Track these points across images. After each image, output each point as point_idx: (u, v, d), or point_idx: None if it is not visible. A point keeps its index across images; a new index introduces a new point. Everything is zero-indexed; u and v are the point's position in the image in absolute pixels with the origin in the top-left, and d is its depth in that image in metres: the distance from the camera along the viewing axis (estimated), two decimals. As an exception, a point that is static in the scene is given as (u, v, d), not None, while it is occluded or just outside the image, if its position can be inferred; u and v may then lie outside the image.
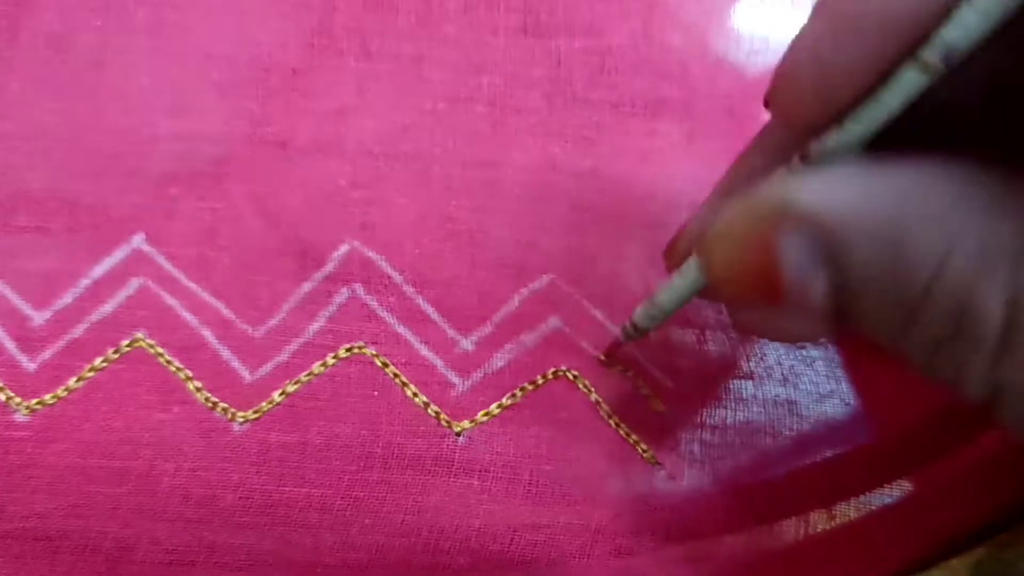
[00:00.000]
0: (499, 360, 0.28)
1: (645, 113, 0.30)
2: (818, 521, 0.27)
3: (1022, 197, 0.16)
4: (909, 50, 0.16)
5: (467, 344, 0.28)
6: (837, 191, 0.17)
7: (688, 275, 0.23)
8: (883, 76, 0.17)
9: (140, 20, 0.29)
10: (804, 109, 0.19)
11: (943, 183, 0.16)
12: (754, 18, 0.30)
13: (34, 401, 0.26)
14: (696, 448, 0.28)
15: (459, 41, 0.29)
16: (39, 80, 0.28)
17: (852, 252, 0.17)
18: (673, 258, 0.25)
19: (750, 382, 0.29)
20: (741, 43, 0.30)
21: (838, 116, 0.18)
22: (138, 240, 0.28)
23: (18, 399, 0.26)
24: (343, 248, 0.28)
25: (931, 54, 0.16)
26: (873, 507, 0.27)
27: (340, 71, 0.29)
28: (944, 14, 0.16)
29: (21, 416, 0.26)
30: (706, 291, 0.23)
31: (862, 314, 0.17)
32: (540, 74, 0.30)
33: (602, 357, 0.28)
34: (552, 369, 0.28)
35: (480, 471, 0.27)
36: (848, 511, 0.27)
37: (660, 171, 0.30)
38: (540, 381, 0.28)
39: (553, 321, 0.28)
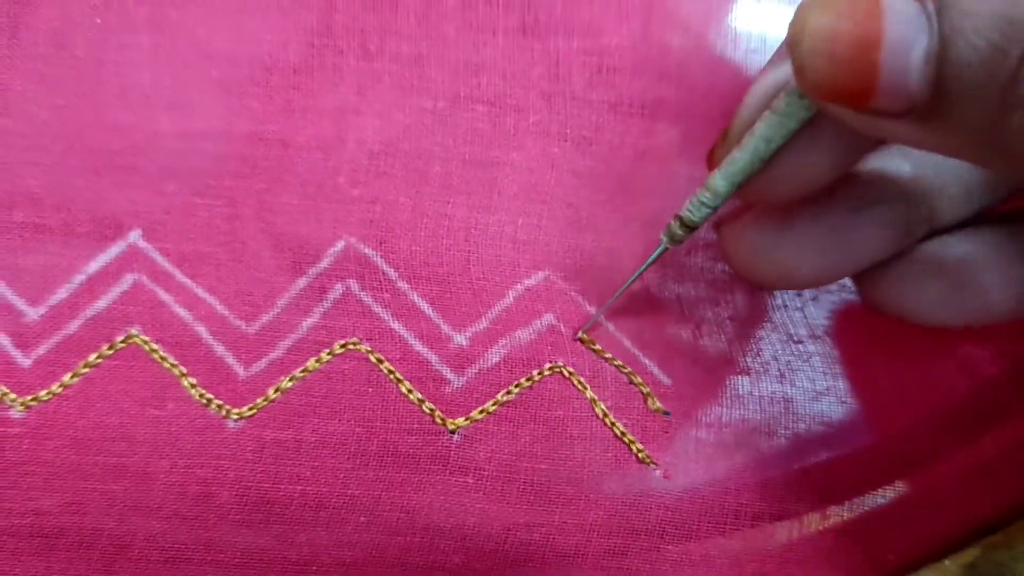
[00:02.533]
0: (494, 355, 0.28)
1: (643, 113, 0.30)
2: (811, 522, 0.27)
3: None
4: None
5: (462, 339, 0.28)
6: None
7: (749, 147, 0.23)
8: None
9: (140, 18, 0.28)
10: None
11: None
12: (752, 18, 0.30)
13: (29, 397, 0.26)
14: (691, 447, 0.28)
15: (458, 41, 0.29)
16: (39, 77, 0.28)
17: (962, 6, 0.16)
18: (724, 147, 0.25)
19: (746, 378, 0.29)
20: (739, 43, 0.30)
21: None
22: (134, 236, 0.28)
23: (13, 395, 0.26)
24: (339, 244, 0.28)
25: None
26: (867, 508, 0.28)
27: (340, 70, 0.29)
28: None
29: (16, 413, 0.26)
30: (754, 184, 0.23)
31: (960, 84, 0.17)
32: (539, 74, 0.30)
33: (582, 336, 0.28)
34: (548, 365, 0.28)
35: (475, 469, 0.27)
36: (842, 512, 0.28)
37: (658, 171, 0.30)
38: (536, 377, 0.28)
39: (548, 318, 0.28)
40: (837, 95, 0.19)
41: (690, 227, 0.25)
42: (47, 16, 0.28)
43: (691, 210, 0.25)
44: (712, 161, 0.26)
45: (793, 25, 0.19)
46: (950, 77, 0.17)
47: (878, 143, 0.24)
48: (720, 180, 0.24)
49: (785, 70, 0.23)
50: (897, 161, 0.26)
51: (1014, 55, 0.16)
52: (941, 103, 0.18)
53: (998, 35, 0.16)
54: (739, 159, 0.23)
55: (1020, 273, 0.26)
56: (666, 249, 0.26)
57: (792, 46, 0.19)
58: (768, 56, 0.30)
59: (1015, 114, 0.17)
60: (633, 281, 0.28)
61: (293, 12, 0.29)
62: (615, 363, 0.28)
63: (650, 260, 0.27)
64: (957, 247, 0.26)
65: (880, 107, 0.19)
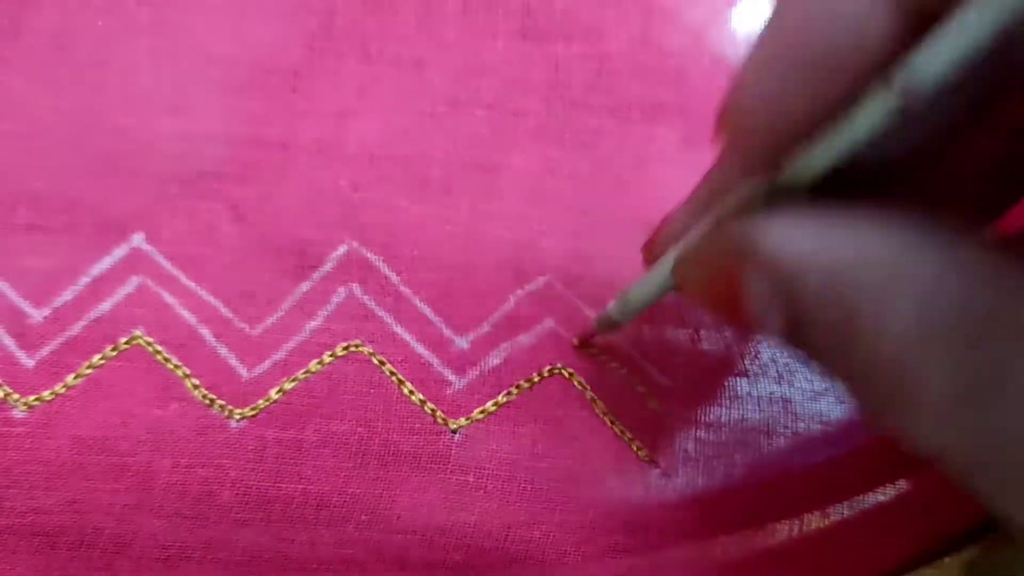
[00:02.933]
0: (495, 358, 0.28)
1: (643, 117, 0.30)
2: (811, 521, 0.27)
3: (966, 266, 0.16)
4: (868, 80, 0.16)
5: (463, 343, 0.28)
6: (794, 238, 0.17)
7: (660, 273, 0.23)
8: (848, 102, 0.17)
9: (142, 20, 0.29)
10: (754, 142, 0.19)
11: (893, 241, 0.17)
12: (752, 23, 0.31)
13: (32, 398, 0.26)
14: (691, 447, 0.28)
15: (458, 45, 0.30)
16: (41, 79, 0.28)
17: (805, 299, 0.17)
18: (650, 255, 0.25)
19: (745, 379, 0.29)
20: (739, 48, 0.31)
21: (796, 143, 0.18)
22: (138, 239, 0.28)
23: (16, 395, 0.26)
24: (341, 249, 0.28)
25: (900, 82, 0.15)
26: (866, 506, 0.27)
27: (340, 73, 0.29)
28: (904, 41, 0.15)
29: (19, 412, 0.26)
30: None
31: (816, 352, 0.18)
32: (538, 78, 0.30)
33: (575, 341, 0.28)
34: (548, 367, 0.28)
35: (476, 468, 0.27)
36: (842, 511, 0.27)
37: (657, 175, 0.30)
38: (536, 379, 0.28)
39: (548, 323, 0.28)
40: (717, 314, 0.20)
41: (614, 324, 0.26)
42: (49, 18, 0.29)
43: (614, 311, 0.26)
44: (646, 254, 0.26)
45: (678, 261, 0.21)
46: (806, 341, 0.18)
47: None
48: (637, 295, 0.25)
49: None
50: None
51: (855, 346, 0.17)
52: (800, 338, 0.18)
53: (837, 325, 0.17)
54: (650, 282, 0.24)
55: None
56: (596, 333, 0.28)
57: (677, 275, 0.21)
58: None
59: (864, 393, 0.17)
60: (583, 340, 0.29)
61: (294, 15, 0.29)
62: (614, 365, 0.28)
63: (585, 337, 0.28)
64: None
65: (751, 327, 0.19)
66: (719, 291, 0.19)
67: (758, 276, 0.18)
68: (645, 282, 0.24)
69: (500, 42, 0.30)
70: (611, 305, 0.26)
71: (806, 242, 0.17)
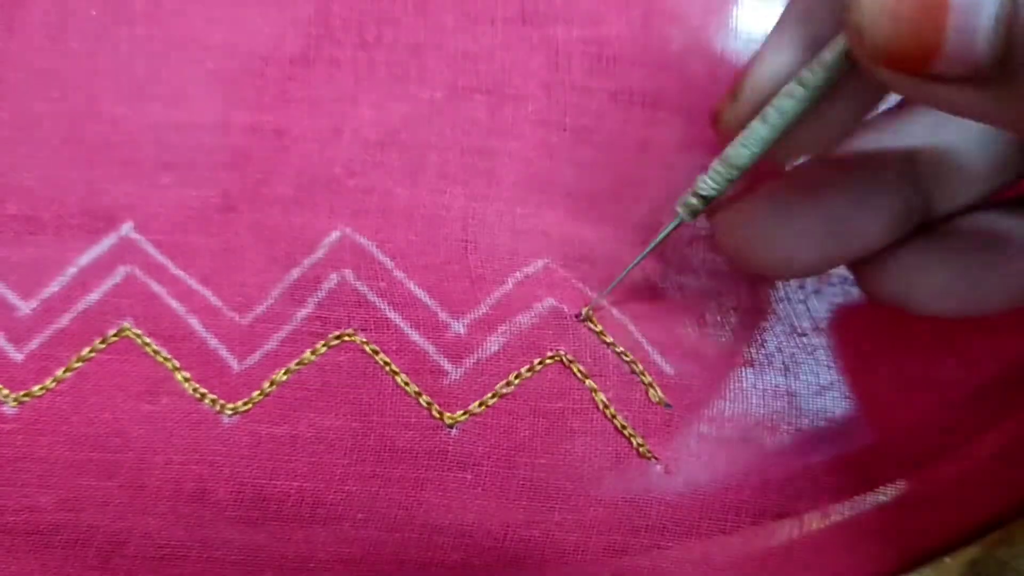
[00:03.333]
0: (493, 344, 0.27)
1: (644, 103, 0.29)
2: (813, 520, 0.27)
3: None
4: None
5: (459, 327, 0.28)
6: None
7: (771, 119, 0.23)
8: None
9: (136, 9, 0.28)
10: None
11: None
12: (753, 7, 0.30)
13: (21, 393, 0.26)
14: (693, 442, 0.28)
15: (456, 30, 0.29)
16: (34, 69, 0.28)
17: None
18: (733, 108, 0.25)
19: (750, 370, 0.29)
20: (740, 33, 0.30)
21: None
22: (126, 228, 0.27)
23: (5, 391, 0.26)
24: (334, 235, 0.28)
25: None
26: (868, 505, 0.27)
27: (337, 59, 0.29)
28: None
29: (9, 408, 0.26)
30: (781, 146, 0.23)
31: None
32: (538, 63, 0.29)
33: (587, 312, 0.28)
34: (549, 353, 0.28)
35: (474, 465, 0.27)
36: (843, 510, 0.27)
37: (659, 160, 0.29)
38: (537, 366, 0.27)
39: (549, 301, 0.28)
40: (899, 60, 0.19)
41: (707, 199, 0.25)
42: (42, 8, 0.28)
43: (709, 184, 0.24)
44: (718, 120, 0.25)
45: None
46: (1020, 41, 0.17)
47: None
48: (741, 154, 0.24)
49: (800, 36, 0.23)
50: (895, 143, 0.26)
51: None
52: (1008, 68, 0.17)
53: None
54: (763, 134, 0.23)
55: (1021, 263, 0.25)
56: (682, 222, 0.26)
57: (850, 8, 0.19)
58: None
59: None
60: (645, 256, 0.27)
61: (290, 2, 0.29)
62: (617, 350, 0.28)
63: (665, 232, 0.26)
64: (958, 235, 0.26)
65: (943, 71, 0.18)
66: (914, 23, 0.18)
67: None
68: (752, 131, 0.23)
69: (499, 27, 0.29)
70: (701, 179, 0.25)
71: None
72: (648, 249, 0.27)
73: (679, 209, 0.26)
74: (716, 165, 0.24)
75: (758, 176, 0.26)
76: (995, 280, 0.26)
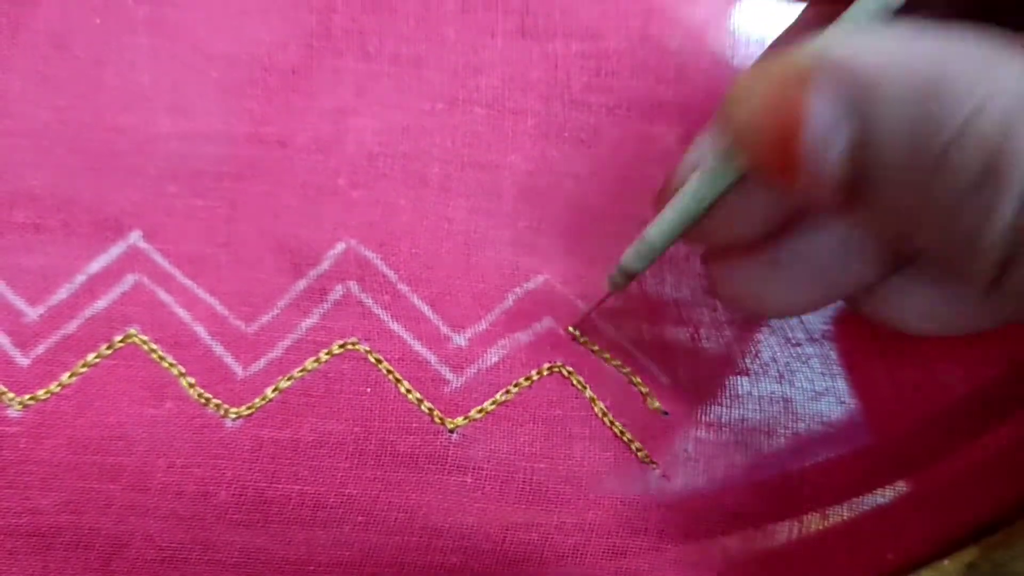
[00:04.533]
0: (493, 356, 0.28)
1: (642, 116, 0.30)
2: (811, 522, 0.27)
3: None
4: None
5: (460, 340, 0.28)
6: (873, 43, 0.17)
7: (679, 206, 0.23)
8: None
9: (140, 19, 0.29)
10: None
11: (981, 42, 0.16)
12: (751, 21, 0.31)
13: (27, 396, 0.26)
14: (691, 447, 0.28)
15: (457, 43, 0.30)
16: (39, 78, 0.28)
17: (883, 100, 0.17)
18: (663, 199, 0.25)
19: (745, 378, 0.29)
20: (738, 47, 0.31)
21: None
22: (135, 237, 0.28)
23: (11, 394, 0.26)
24: (339, 247, 0.28)
25: None
26: (866, 508, 0.27)
27: (339, 71, 0.29)
28: None
29: (14, 412, 0.26)
30: (692, 233, 0.24)
31: (882, 171, 0.17)
32: (538, 76, 0.30)
33: (571, 329, 0.28)
34: (547, 364, 0.28)
35: (474, 469, 0.27)
36: (841, 513, 0.27)
37: (657, 174, 0.30)
38: (535, 377, 0.28)
39: (547, 321, 0.28)
40: (765, 172, 0.19)
41: (631, 276, 0.26)
42: (47, 17, 0.29)
43: (631, 259, 0.25)
44: (655, 207, 0.26)
45: (728, 99, 0.20)
46: (871, 167, 0.17)
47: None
48: (655, 234, 0.24)
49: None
50: None
51: (936, 144, 0.16)
52: (864, 189, 0.18)
53: (918, 125, 0.17)
54: (669, 217, 0.24)
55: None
56: (611, 294, 0.27)
57: (726, 119, 0.20)
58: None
59: (938, 202, 0.17)
60: (586, 314, 0.28)
61: (292, 13, 0.29)
62: (614, 363, 0.28)
63: (597, 303, 0.28)
64: None
65: (804, 189, 0.19)
66: (774, 125, 0.18)
67: (825, 92, 0.17)
68: (664, 218, 0.24)
69: (499, 40, 0.30)
70: (626, 255, 0.25)
71: (887, 44, 0.17)
72: (584, 314, 0.28)
73: (606, 283, 0.26)
74: (636, 243, 0.25)
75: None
76: (977, 303, 0.26)
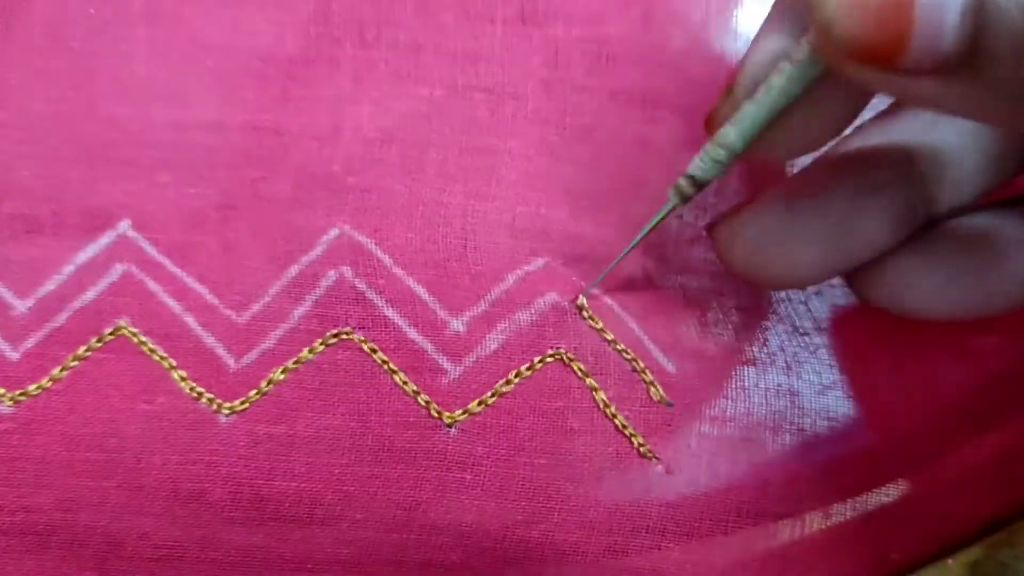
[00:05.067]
0: (492, 342, 0.27)
1: (643, 102, 0.29)
2: (814, 520, 0.27)
3: None
4: None
5: (458, 325, 0.27)
6: None
7: (765, 101, 0.22)
8: None
9: (135, 9, 0.28)
10: None
11: None
12: (753, 7, 0.30)
13: (18, 392, 0.26)
14: (694, 442, 0.27)
15: (456, 29, 0.29)
16: (34, 69, 0.28)
17: None
18: (728, 105, 0.24)
19: (752, 368, 0.28)
20: (740, 33, 0.30)
21: None
22: (124, 226, 0.27)
23: (2, 390, 0.26)
24: (333, 232, 0.28)
25: None
26: (870, 506, 0.27)
27: (336, 59, 0.29)
28: None
29: (5, 407, 0.26)
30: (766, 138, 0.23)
31: (998, 41, 0.17)
32: (537, 62, 0.29)
33: (583, 302, 0.28)
34: (549, 351, 0.27)
35: (473, 465, 0.27)
36: (845, 511, 0.27)
37: (658, 160, 0.29)
38: (537, 365, 0.27)
39: (551, 296, 0.28)
40: (866, 55, 0.19)
41: (700, 185, 0.25)
42: (42, 8, 0.28)
43: (702, 167, 0.24)
44: (712, 123, 0.25)
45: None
46: (987, 31, 0.17)
47: None
48: (733, 134, 0.23)
49: (790, 21, 0.23)
50: (895, 142, 0.26)
51: None
52: (977, 59, 0.17)
53: None
54: (752, 113, 0.23)
55: (1018, 264, 0.25)
56: (674, 207, 0.26)
57: (816, 5, 0.19)
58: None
59: None
60: (638, 242, 0.27)
61: (289, 1, 0.29)
62: (618, 347, 0.28)
63: (658, 218, 0.26)
64: (955, 236, 0.26)
65: (911, 65, 0.18)
66: (881, 15, 0.18)
67: None
68: (749, 108, 0.23)
69: (498, 26, 0.29)
70: (695, 163, 0.24)
71: None
72: (642, 234, 0.27)
73: (670, 194, 0.25)
74: (708, 147, 0.24)
75: (757, 188, 0.26)
76: (987, 283, 0.26)
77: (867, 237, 0.25)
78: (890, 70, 0.18)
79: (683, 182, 0.25)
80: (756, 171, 0.30)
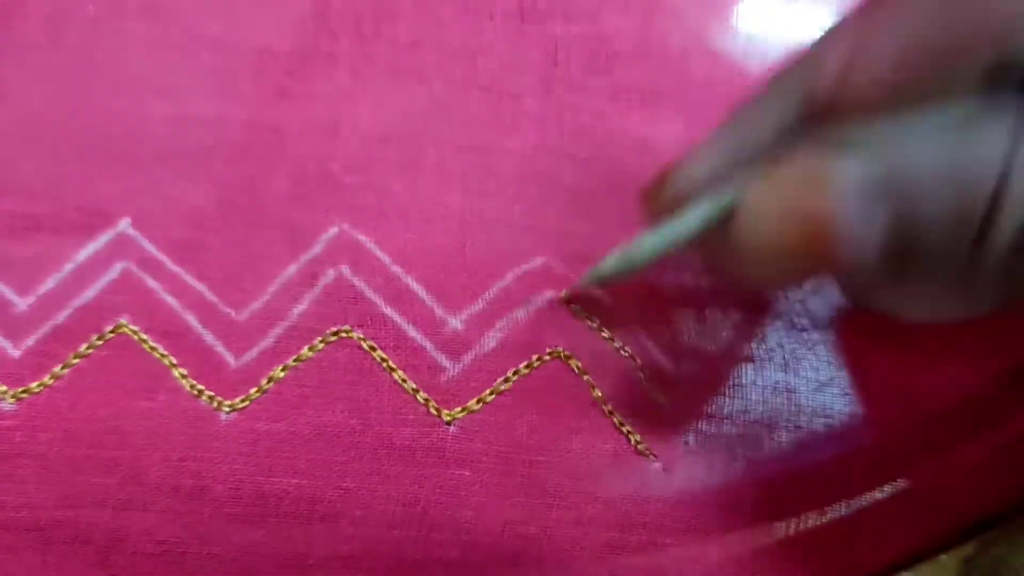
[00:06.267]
0: (491, 340, 0.27)
1: (643, 101, 0.29)
2: (810, 518, 0.27)
3: None
4: None
5: (457, 323, 0.28)
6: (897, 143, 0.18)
7: (667, 232, 0.23)
8: None
9: (133, 5, 0.28)
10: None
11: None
12: (753, 8, 0.30)
13: (19, 389, 0.26)
14: (692, 440, 0.28)
15: (455, 25, 0.29)
16: (31, 65, 0.28)
17: (919, 184, 0.17)
18: (654, 204, 0.25)
19: (750, 366, 0.28)
20: (740, 33, 0.30)
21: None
22: (124, 224, 0.27)
23: (3, 387, 0.26)
24: (332, 230, 0.28)
25: None
26: (865, 504, 0.27)
27: (335, 55, 0.29)
28: None
29: (7, 405, 0.26)
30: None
31: (927, 241, 0.18)
32: (536, 59, 0.29)
33: (563, 295, 0.28)
34: (548, 349, 0.28)
35: (472, 462, 0.27)
36: (840, 508, 0.27)
37: (657, 158, 0.29)
38: (535, 363, 0.27)
39: (548, 294, 0.28)
40: (791, 265, 0.20)
41: (606, 282, 0.26)
42: (40, 4, 0.28)
43: (610, 266, 0.25)
44: (645, 202, 0.25)
45: (739, 227, 0.20)
46: (912, 247, 0.18)
47: None
48: (634, 254, 0.24)
49: (730, 148, 0.23)
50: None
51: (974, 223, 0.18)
52: (905, 259, 0.19)
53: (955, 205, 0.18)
54: (653, 241, 0.24)
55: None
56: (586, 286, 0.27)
57: (741, 246, 0.20)
58: (767, 46, 0.29)
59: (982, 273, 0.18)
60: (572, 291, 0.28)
61: None
62: (615, 345, 0.28)
63: (577, 285, 0.27)
64: None
65: (838, 267, 0.20)
66: (801, 219, 0.19)
67: (857, 186, 0.18)
68: (649, 240, 0.24)
69: (497, 23, 0.29)
70: (608, 259, 0.25)
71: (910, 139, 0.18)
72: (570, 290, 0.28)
73: (583, 279, 0.27)
74: (617, 253, 0.25)
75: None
76: (975, 286, 0.26)
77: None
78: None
79: (589, 279, 0.26)
80: None
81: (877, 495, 0.27)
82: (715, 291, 0.29)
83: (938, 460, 0.28)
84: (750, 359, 0.29)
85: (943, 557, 0.27)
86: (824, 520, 0.27)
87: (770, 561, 0.27)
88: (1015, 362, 0.29)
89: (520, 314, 0.28)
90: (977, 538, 0.27)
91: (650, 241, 0.24)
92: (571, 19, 0.29)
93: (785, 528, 0.27)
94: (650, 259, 0.24)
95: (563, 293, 0.28)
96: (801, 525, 0.27)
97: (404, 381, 0.27)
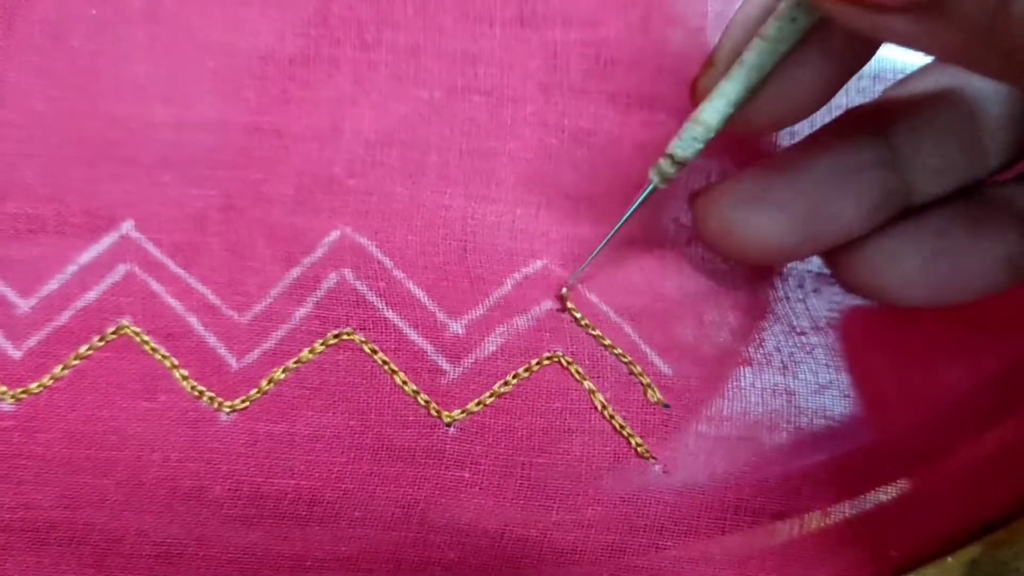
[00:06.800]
0: (491, 344, 0.27)
1: (641, 105, 0.29)
2: (813, 519, 0.27)
3: None
4: None
5: (457, 327, 0.28)
6: None
7: (739, 76, 0.23)
8: None
9: (136, 9, 0.28)
10: None
11: None
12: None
13: (19, 390, 0.26)
14: (692, 441, 0.28)
15: (455, 31, 0.29)
16: (35, 69, 0.28)
17: None
18: (709, 76, 0.25)
19: (749, 369, 0.28)
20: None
21: None
22: (127, 227, 0.27)
23: (3, 388, 0.26)
24: (334, 234, 0.28)
25: None
26: (869, 505, 0.27)
27: (336, 60, 0.29)
28: None
29: (7, 405, 0.26)
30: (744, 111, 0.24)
31: None
32: (536, 64, 0.29)
33: (563, 292, 0.28)
34: (546, 354, 0.28)
35: (471, 464, 0.27)
36: (844, 509, 0.27)
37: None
38: (535, 367, 0.27)
39: (547, 304, 0.28)
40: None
41: (681, 164, 0.25)
42: (43, 7, 0.28)
43: (681, 146, 0.25)
44: (696, 92, 0.26)
45: None
46: None
47: (864, 62, 0.25)
48: (710, 112, 0.24)
49: None
50: (875, 130, 0.26)
51: None
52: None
53: None
54: (729, 90, 0.23)
55: (996, 248, 0.26)
56: (655, 189, 0.26)
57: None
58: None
59: (1015, 5, 0.17)
60: (621, 225, 0.27)
61: (290, 2, 0.29)
62: (615, 351, 0.28)
63: (639, 200, 0.26)
64: (933, 221, 0.26)
65: (883, 2, 0.19)
66: None
67: None
68: (721, 90, 0.23)
69: (497, 28, 0.29)
70: (673, 143, 0.25)
71: None
72: (626, 216, 0.27)
73: (652, 175, 0.26)
74: (687, 125, 0.24)
75: (739, 165, 0.26)
76: (965, 266, 0.26)
77: (842, 217, 0.25)
78: (864, 7, 0.19)
79: (663, 162, 0.25)
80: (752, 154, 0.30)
81: (879, 497, 0.27)
82: (715, 291, 0.29)
83: (941, 462, 0.28)
84: (748, 362, 0.29)
85: (948, 559, 0.26)
86: (827, 522, 0.27)
87: (772, 563, 0.27)
88: (1017, 362, 0.29)
89: (520, 320, 0.28)
90: (982, 540, 0.27)
91: (722, 93, 0.24)
92: (570, 25, 0.29)
93: (787, 530, 0.27)
94: (727, 112, 0.24)
95: (562, 290, 0.28)
96: (803, 527, 0.27)
97: (405, 383, 0.27)
